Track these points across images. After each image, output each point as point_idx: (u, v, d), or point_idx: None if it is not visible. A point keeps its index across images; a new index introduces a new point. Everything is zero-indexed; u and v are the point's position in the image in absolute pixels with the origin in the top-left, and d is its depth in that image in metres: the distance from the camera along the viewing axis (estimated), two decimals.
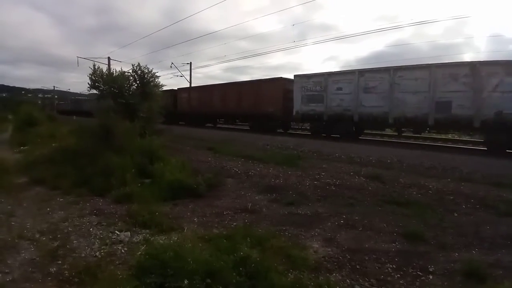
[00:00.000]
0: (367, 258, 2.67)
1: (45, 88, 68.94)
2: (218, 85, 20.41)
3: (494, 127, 9.08)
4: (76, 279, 2.31)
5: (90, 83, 9.81)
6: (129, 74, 9.99)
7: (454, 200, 4.33)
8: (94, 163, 5.54)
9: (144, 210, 3.61)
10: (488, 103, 9.09)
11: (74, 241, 3.01)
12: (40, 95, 70.82)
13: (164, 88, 22.12)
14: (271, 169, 6.22)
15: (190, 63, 30.67)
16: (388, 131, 14.45)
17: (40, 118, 17.42)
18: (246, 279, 2.12)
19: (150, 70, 10.18)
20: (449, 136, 13.25)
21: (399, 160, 7.36)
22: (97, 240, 3.02)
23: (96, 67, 10.02)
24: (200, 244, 2.72)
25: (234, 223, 3.49)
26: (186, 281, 2.03)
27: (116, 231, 3.23)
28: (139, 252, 2.64)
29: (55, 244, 2.94)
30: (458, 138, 13.07)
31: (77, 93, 64.20)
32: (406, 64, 11.09)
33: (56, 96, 64.96)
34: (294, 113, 14.14)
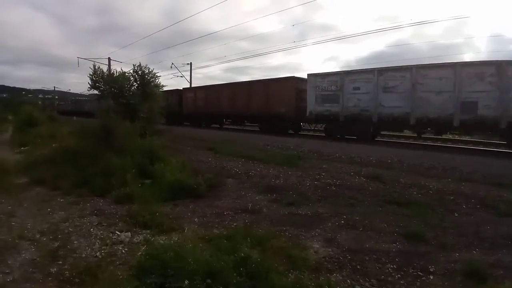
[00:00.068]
0: (367, 258, 2.67)
1: (45, 89, 69.08)
2: (226, 85, 19.82)
3: None
4: (76, 280, 2.32)
5: (90, 83, 9.83)
6: (130, 74, 10.02)
7: (454, 200, 4.32)
8: (94, 164, 5.54)
9: (144, 211, 3.62)
10: None
11: (75, 242, 3.01)
12: (40, 96, 70.83)
13: (169, 88, 21.92)
14: (272, 169, 6.22)
15: (190, 63, 30.69)
16: (387, 132, 14.31)
17: (40, 119, 17.45)
18: (246, 279, 2.12)
19: (151, 70, 10.22)
20: (450, 136, 13.21)
21: (400, 160, 7.36)
22: (98, 241, 3.03)
23: (96, 67, 10.05)
24: (200, 245, 2.72)
25: (235, 224, 3.49)
26: (186, 282, 2.03)
27: (117, 232, 3.23)
28: (140, 253, 2.64)
29: (56, 244, 2.95)
30: (458, 138, 13.05)
31: (77, 93, 64.31)
32: (429, 63, 10.73)
33: (56, 97, 65.02)
34: (307, 113, 13.63)
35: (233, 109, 18.22)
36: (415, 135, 12.26)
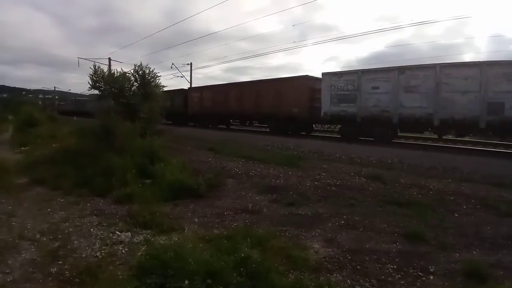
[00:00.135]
0: (368, 259, 2.67)
1: (45, 89, 69.09)
2: (233, 84, 19.35)
3: None
4: (76, 280, 2.32)
5: (90, 83, 9.82)
6: (130, 74, 10.02)
7: (454, 200, 4.32)
8: (95, 164, 5.55)
9: (144, 211, 3.62)
10: None
11: (75, 242, 3.01)
12: (40, 96, 70.89)
13: (172, 88, 21.69)
14: (272, 169, 6.22)
15: (191, 63, 30.65)
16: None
17: (40, 119, 17.48)
18: (246, 279, 2.12)
19: (151, 70, 10.21)
20: (449, 137, 13.19)
21: (400, 161, 7.36)
22: (98, 241, 3.03)
23: (96, 67, 10.05)
24: (200, 245, 2.72)
25: (235, 224, 3.49)
26: (186, 282, 2.03)
27: (117, 232, 3.23)
28: (140, 253, 2.64)
29: (56, 244, 2.95)
30: (458, 139, 13.04)
31: (77, 93, 64.26)
32: (454, 61, 10.41)
33: (56, 97, 65.03)
34: (322, 114, 13.04)
35: (241, 109, 17.63)
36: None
